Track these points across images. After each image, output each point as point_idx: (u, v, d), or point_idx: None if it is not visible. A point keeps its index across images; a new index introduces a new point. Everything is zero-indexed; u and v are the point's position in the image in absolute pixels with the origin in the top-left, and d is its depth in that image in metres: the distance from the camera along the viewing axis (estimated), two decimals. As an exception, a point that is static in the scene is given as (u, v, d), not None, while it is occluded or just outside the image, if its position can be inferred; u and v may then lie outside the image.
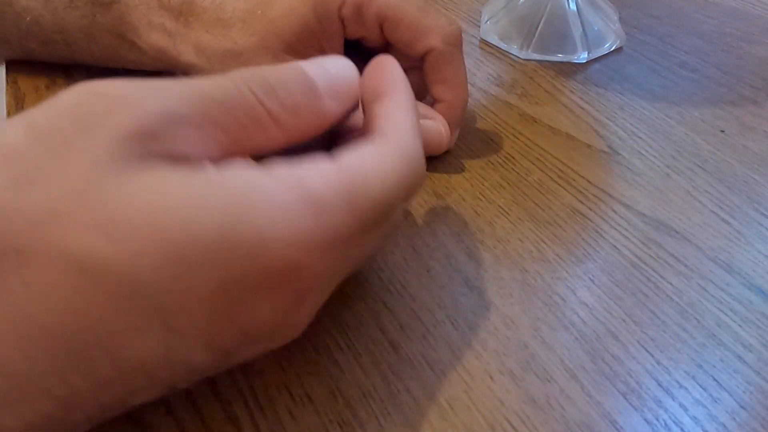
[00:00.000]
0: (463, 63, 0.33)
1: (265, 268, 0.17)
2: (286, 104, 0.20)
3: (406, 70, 0.24)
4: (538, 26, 0.43)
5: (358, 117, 0.25)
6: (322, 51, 0.33)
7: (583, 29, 0.42)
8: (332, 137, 0.25)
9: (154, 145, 0.17)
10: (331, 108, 0.22)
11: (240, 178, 0.18)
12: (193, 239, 0.16)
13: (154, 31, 0.34)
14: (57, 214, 0.16)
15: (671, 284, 0.27)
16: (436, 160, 0.34)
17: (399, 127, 0.22)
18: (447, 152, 0.34)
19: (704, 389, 0.24)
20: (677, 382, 0.24)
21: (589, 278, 0.28)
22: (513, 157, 0.34)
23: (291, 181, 0.18)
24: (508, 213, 0.31)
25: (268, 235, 0.17)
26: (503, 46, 0.43)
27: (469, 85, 0.39)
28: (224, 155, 0.19)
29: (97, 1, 0.35)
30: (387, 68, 0.24)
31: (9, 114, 0.36)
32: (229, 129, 0.19)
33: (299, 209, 0.18)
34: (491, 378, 0.24)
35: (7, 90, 0.37)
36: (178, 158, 0.18)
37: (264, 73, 0.20)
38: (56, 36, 0.36)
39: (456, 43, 0.32)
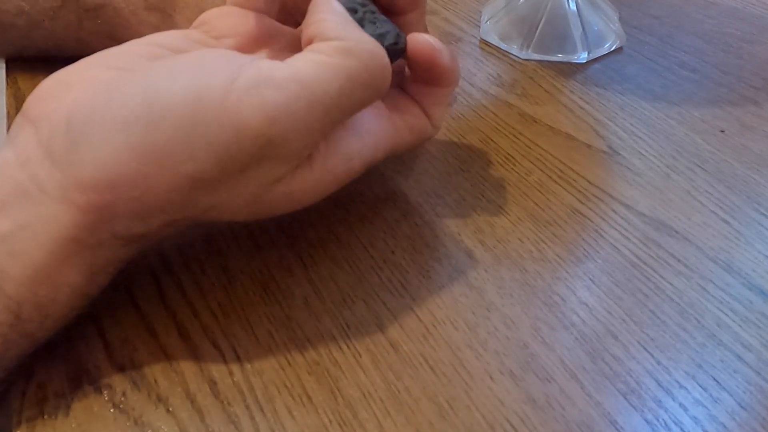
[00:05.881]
0: None
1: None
2: None
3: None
4: (538, 26, 0.43)
5: None
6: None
7: (583, 29, 0.42)
8: None
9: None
10: None
11: (341, 161, 0.26)
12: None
13: (143, 28, 0.35)
14: (225, 210, 0.24)
15: (671, 284, 0.27)
16: (436, 159, 0.34)
17: (438, 123, 0.30)
18: (447, 152, 0.34)
19: (704, 389, 0.24)
20: (677, 382, 0.24)
21: (589, 278, 0.28)
22: (513, 157, 0.34)
23: (367, 155, 0.27)
24: (508, 213, 0.31)
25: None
26: (503, 46, 0.43)
27: (469, 85, 0.40)
28: None
29: (82, 8, 0.35)
30: (442, 66, 0.28)
31: (9, 114, 0.36)
32: None
33: (359, 174, 0.27)
34: (491, 378, 0.24)
35: (7, 90, 0.37)
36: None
37: (357, 62, 0.24)
38: (48, 44, 0.37)
39: None
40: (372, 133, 0.27)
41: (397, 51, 0.27)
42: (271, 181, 0.23)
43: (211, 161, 0.21)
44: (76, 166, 0.21)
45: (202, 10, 0.34)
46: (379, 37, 0.26)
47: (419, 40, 0.28)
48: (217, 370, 0.24)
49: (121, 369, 0.24)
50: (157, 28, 0.36)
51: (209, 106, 0.21)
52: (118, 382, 0.23)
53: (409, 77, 0.30)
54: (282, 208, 0.26)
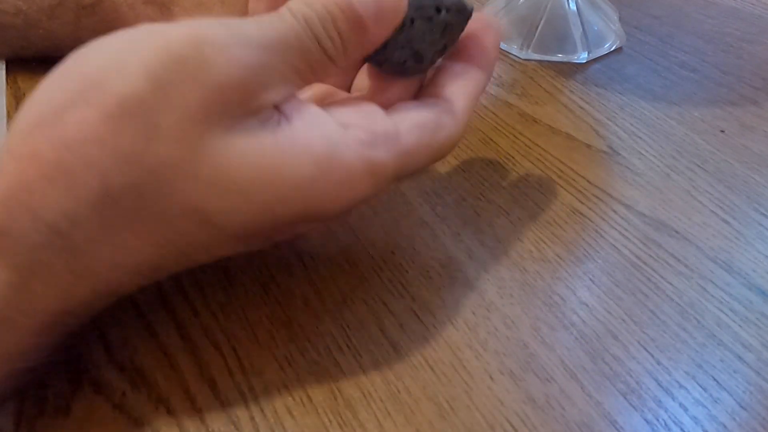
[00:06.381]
0: None
1: (321, 217, 0.23)
2: (337, 44, 0.23)
3: None
4: (538, 26, 0.43)
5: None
6: None
7: (583, 29, 0.42)
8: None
9: (251, 102, 0.21)
10: (376, 34, 0.24)
11: (319, 137, 0.22)
12: (281, 198, 0.21)
13: (141, 23, 0.35)
14: (176, 171, 0.20)
15: (671, 284, 0.27)
16: (436, 160, 0.34)
17: (460, 112, 0.26)
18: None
19: (704, 389, 0.24)
20: (677, 382, 0.24)
21: (589, 278, 0.28)
22: (513, 157, 0.34)
23: (361, 150, 0.22)
24: (508, 213, 0.31)
25: (334, 197, 0.22)
26: (503, 46, 0.43)
27: (469, 85, 0.40)
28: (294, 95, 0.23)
29: (80, 5, 0.35)
30: (483, 40, 0.28)
31: (9, 114, 0.36)
32: (302, 73, 0.23)
33: (363, 180, 0.22)
34: (491, 378, 0.24)
35: (7, 89, 0.37)
36: (264, 112, 0.21)
37: (316, 14, 0.22)
38: (46, 44, 0.37)
39: None
40: (361, 127, 0.23)
41: (470, 16, 0.27)
42: (220, 117, 0.20)
43: (141, 77, 0.19)
44: (17, 124, 0.20)
45: (201, 3, 0.34)
46: (466, 6, 0.27)
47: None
48: (217, 370, 0.24)
49: (121, 369, 0.24)
50: (155, 22, 0.36)
51: (147, 34, 0.21)
52: (118, 382, 0.23)
53: (446, 63, 0.28)
54: (258, 202, 0.21)
